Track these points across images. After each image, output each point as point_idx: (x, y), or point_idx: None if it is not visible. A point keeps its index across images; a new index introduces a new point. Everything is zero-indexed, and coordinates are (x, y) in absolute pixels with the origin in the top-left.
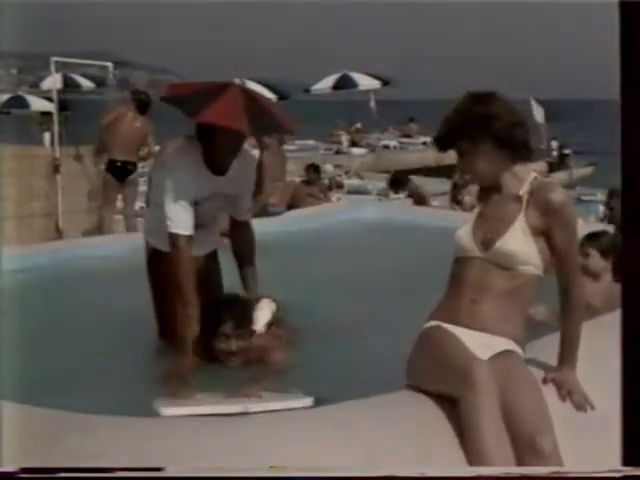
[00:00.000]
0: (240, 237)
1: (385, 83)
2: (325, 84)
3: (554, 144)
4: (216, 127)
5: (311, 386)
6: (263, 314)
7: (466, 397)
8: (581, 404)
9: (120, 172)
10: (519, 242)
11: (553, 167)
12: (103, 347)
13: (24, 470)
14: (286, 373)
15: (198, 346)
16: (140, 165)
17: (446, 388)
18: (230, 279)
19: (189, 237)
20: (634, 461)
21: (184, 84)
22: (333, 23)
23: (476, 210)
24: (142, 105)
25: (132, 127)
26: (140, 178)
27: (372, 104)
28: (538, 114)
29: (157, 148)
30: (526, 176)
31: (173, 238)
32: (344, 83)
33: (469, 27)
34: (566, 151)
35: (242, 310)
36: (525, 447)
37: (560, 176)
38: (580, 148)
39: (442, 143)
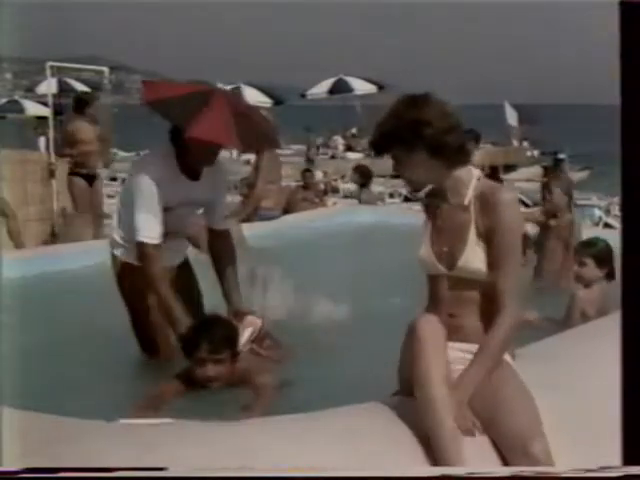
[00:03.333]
0: (220, 248)
1: (381, 87)
2: (321, 89)
3: (525, 144)
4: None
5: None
6: (247, 332)
7: (414, 352)
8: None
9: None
10: (479, 256)
11: (548, 171)
12: (98, 355)
13: (27, 470)
14: (270, 394)
15: (180, 370)
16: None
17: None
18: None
19: (157, 246)
20: (634, 461)
21: (163, 84)
22: (329, 27)
23: (428, 225)
24: (80, 105)
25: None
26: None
27: (358, 109)
28: (511, 117)
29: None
30: (469, 179)
31: (141, 247)
32: (340, 88)
33: (466, 30)
34: (561, 156)
35: (220, 333)
36: (517, 453)
37: None
38: (575, 152)
39: (377, 148)
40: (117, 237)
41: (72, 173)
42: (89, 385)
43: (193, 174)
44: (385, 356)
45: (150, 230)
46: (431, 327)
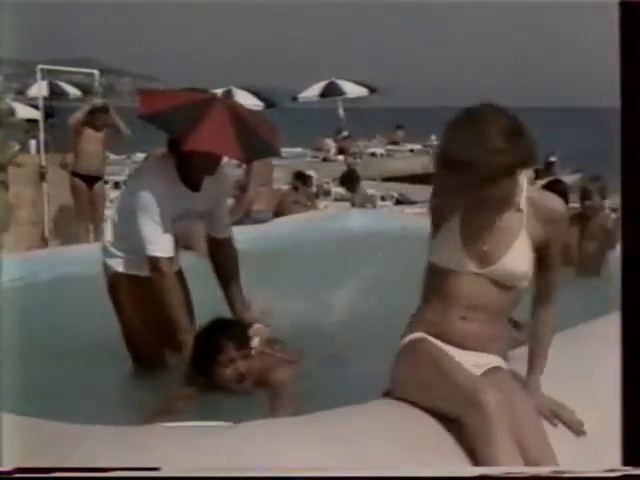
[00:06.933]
0: (221, 256)
1: (372, 91)
2: (312, 92)
3: None
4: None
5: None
6: (255, 340)
7: (478, 426)
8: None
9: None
10: (523, 258)
11: (539, 174)
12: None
13: (19, 470)
14: (290, 391)
15: (193, 375)
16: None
17: (447, 407)
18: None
19: (171, 259)
20: (634, 461)
21: (160, 94)
22: (321, 30)
23: (455, 219)
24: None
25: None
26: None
27: (340, 111)
28: None
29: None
30: (523, 181)
31: (154, 262)
32: (331, 91)
33: (462, 31)
34: (552, 159)
35: (239, 330)
36: None
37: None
38: (568, 155)
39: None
40: (111, 247)
41: (73, 174)
42: (80, 390)
43: (194, 185)
44: (381, 361)
45: (163, 244)
46: (499, 402)
